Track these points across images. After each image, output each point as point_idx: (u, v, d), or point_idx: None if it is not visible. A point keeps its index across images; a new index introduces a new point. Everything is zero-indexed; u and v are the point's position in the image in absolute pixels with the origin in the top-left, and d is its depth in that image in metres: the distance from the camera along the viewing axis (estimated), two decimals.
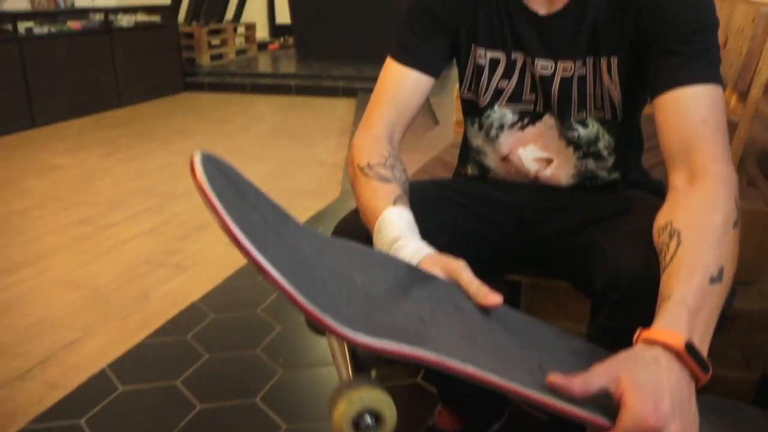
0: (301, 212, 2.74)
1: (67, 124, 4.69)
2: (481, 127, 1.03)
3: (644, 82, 0.88)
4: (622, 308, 0.77)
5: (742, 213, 0.74)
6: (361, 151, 0.92)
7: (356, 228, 0.88)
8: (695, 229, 0.70)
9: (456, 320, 0.67)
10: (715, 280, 0.66)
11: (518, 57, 0.96)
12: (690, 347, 0.60)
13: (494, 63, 0.98)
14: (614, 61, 0.91)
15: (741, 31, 1.39)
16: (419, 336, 0.60)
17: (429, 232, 0.93)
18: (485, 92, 1.00)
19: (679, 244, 0.69)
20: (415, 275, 0.73)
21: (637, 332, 0.63)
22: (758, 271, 1.30)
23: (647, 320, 0.66)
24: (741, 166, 1.50)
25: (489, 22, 0.96)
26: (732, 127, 1.25)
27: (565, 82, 0.94)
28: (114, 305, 1.96)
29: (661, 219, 0.75)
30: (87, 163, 3.63)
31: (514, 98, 0.99)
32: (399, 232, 0.80)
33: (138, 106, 5.40)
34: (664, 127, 0.82)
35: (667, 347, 0.60)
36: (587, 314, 0.88)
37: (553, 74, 0.95)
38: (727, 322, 0.74)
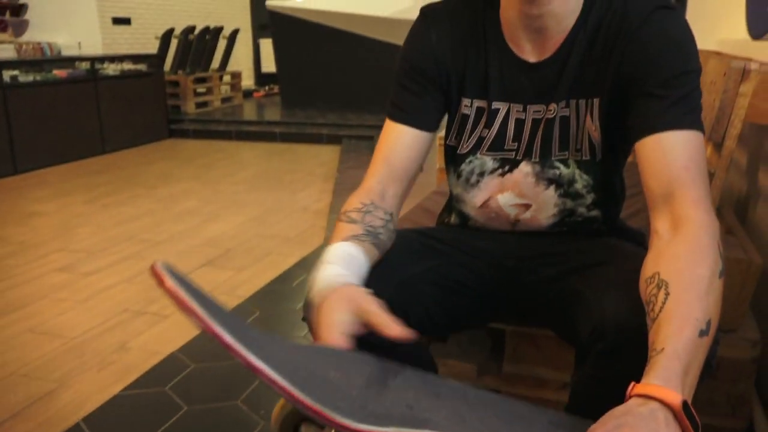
0: (284, 259, 2.72)
1: (50, 170, 4.67)
2: (460, 174, 1.04)
3: (625, 123, 0.89)
4: (607, 358, 0.76)
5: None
6: (346, 203, 0.95)
7: None
8: (683, 281, 0.70)
9: (439, 404, 0.67)
10: (703, 333, 0.66)
11: (502, 106, 0.98)
12: (686, 406, 0.60)
13: (480, 112, 1.00)
14: (596, 102, 0.93)
15: (713, 84, 1.43)
16: (418, 420, 0.59)
17: (411, 280, 0.92)
18: (468, 140, 1.01)
19: (667, 295, 0.69)
20: (386, 367, 0.72)
21: (631, 386, 0.63)
22: (739, 319, 1.31)
23: (633, 370, 0.66)
24: (719, 214, 1.53)
25: (477, 72, 0.99)
26: (709, 176, 1.28)
27: (550, 122, 0.96)
28: (91, 356, 1.91)
29: (648, 269, 0.75)
30: (68, 209, 3.60)
31: (495, 146, 1.00)
32: (332, 258, 0.82)
33: (122, 153, 5.40)
34: (647, 171, 0.83)
35: (665, 404, 0.60)
36: (571, 362, 0.88)
37: (542, 117, 0.97)
38: (712, 370, 0.74)
